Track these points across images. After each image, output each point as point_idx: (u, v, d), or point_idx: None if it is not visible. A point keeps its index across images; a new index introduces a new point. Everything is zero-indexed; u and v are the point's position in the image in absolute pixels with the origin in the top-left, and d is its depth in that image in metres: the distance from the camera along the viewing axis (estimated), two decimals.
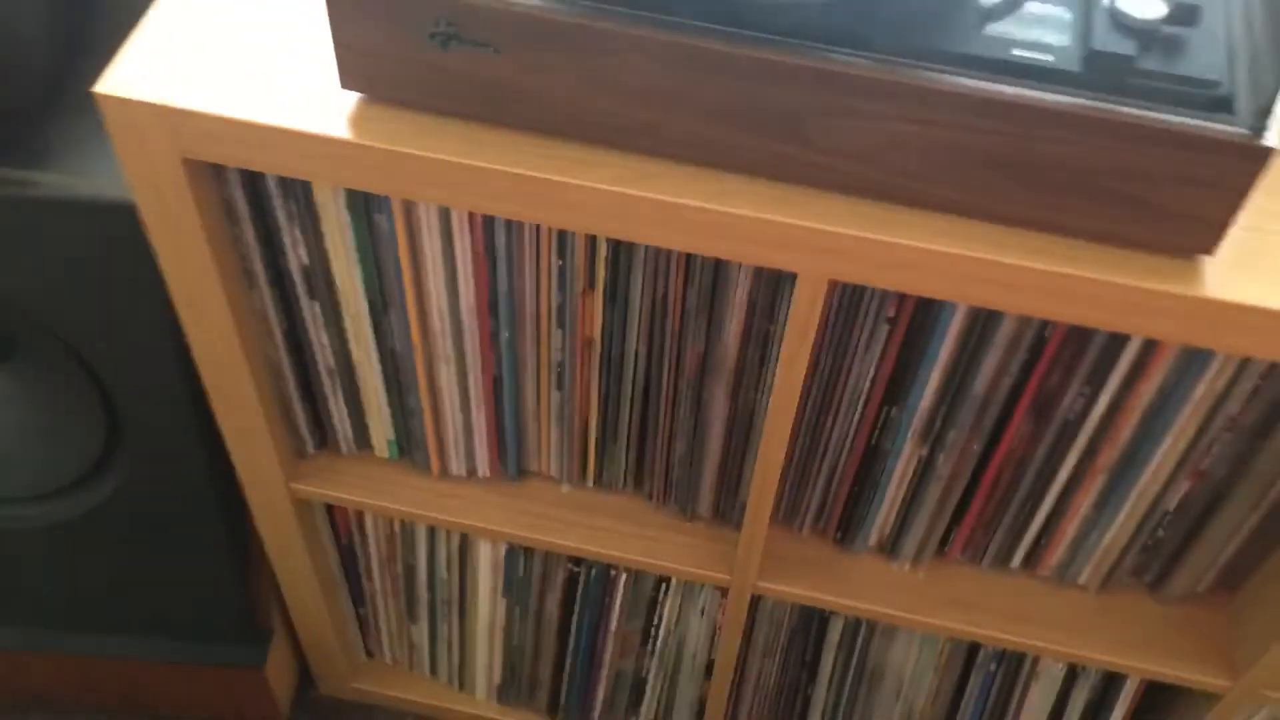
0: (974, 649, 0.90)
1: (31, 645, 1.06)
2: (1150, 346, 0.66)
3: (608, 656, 1.02)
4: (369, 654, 1.14)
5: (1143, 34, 0.53)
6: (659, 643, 0.98)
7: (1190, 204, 0.55)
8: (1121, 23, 0.54)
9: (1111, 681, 0.89)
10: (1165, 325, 0.58)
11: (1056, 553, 0.83)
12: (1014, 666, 0.90)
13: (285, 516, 0.91)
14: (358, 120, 0.60)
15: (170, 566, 0.98)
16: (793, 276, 0.63)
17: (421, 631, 1.07)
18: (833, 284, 0.64)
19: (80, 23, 0.77)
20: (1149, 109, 0.53)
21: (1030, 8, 0.55)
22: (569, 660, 1.04)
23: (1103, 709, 0.91)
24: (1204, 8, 0.54)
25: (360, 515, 0.95)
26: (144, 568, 0.99)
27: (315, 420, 0.87)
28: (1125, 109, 0.53)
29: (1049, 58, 0.54)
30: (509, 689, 1.10)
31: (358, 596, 1.06)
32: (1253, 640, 0.81)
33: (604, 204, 0.60)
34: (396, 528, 0.95)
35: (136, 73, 0.62)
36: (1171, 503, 0.77)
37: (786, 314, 0.66)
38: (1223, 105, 0.53)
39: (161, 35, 0.64)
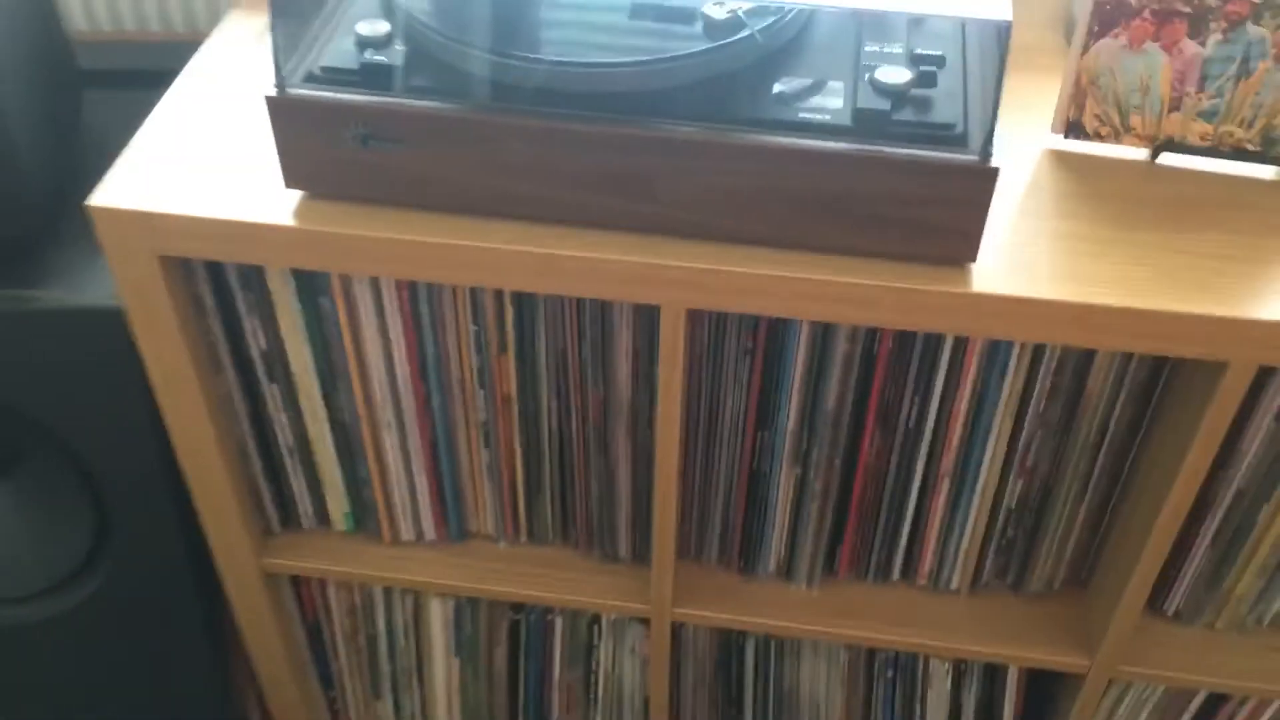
0: (870, 658, 1.02)
1: None
2: (959, 350, 0.81)
3: (555, 712, 1.12)
4: None
5: (895, 95, 0.70)
6: (599, 689, 1.09)
7: (949, 220, 0.71)
8: (880, 88, 0.71)
9: (995, 676, 1.01)
10: (945, 320, 0.73)
11: (928, 561, 0.96)
12: (909, 671, 1.01)
13: (256, 592, 1.03)
14: (300, 211, 0.76)
15: (152, 657, 1.09)
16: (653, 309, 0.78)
17: (387, 707, 1.17)
18: (691, 313, 0.79)
19: (70, 161, 0.93)
20: (903, 148, 0.69)
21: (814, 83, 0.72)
22: (525, 713, 1.14)
23: (994, 706, 1.03)
24: (940, 74, 0.71)
25: (324, 589, 1.06)
26: (127, 661, 1.09)
27: (279, 499, 1.00)
28: (885, 149, 0.69)
29: (827, 116, 0.70)
30: None
31: (325, 678, 1.16)
32: (1100, 623, 0.93)
33: (500, 261, 0.75)
34: (357, 599, 1.06)
35: (119, 188, 0.77)
36: (1012, 500, 0.91)
37: (643, 343, 0.81)
38: (959, 141, 0.69)
39: (140, 157, 0.79)
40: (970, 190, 0.69)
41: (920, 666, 1.01)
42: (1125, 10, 0.76)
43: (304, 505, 1.00)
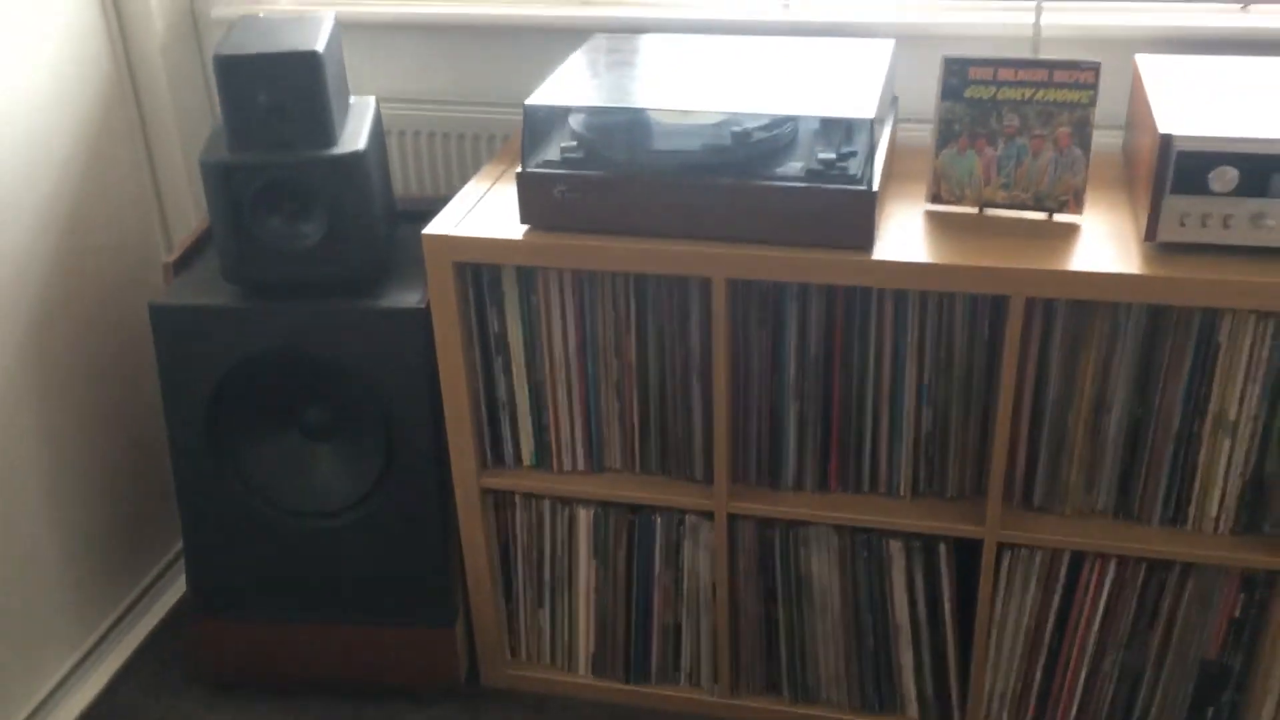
0: (851, 542, 1.60)
1: (304, 617, 1.77)
2: (881, 316, 1.46)
3: (656, 609, 1.72)
4: (513, 653, 1.83)
5: (828, 164, 1.41)
6: (684, 585, 1.69)
7: (856, 221, 1.39)
8: (821, 161, 1.41)
9: (931, 554, 1.57)
10: (864, 276, 1.40)
11: (882, 473, 1.57)
12: (876, 551, 1.59)
13: (474, 507, 1.68)
14: (525, 234, 1.48)
15: (406, 558, 1.73)
16: (708, 282, 1.46)
17: (545, 615, 1.77)
18: (729, 284, 1.46)
19: (391, 243, 1.68)
20: (833, 185, 1.39)
21: (794, 153, 1.43)
22: (634, 618, 1.73)
23: (934, 579, 1.59)
24: (852, 158, 1.42)
25: (513, 511, 1.70)
26: (389, 560, 1.73)
27: (494, 441, 1.67)
28: (824, 186, 1.39)
29: (799, 171, 1.41)
30: (600, 659, 1.78)
31: (508, 592, 1.78)
32: (990, 506, 1.52)
33: (639, 255, 1.45)
34: (533, 517, 1.70)
35: (434, 227, 1.51)
36: (926, 424, 1.53)
37: (705, 318, 1.49)
38: (861, 183, 1.38)
39: (443, 218, 1.53)
40: (865, 204, 1.38)
41: (883, 548, 1.59)
42: (953, 134, 1.46)
43: (508, 445, 1.67)
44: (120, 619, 1.94)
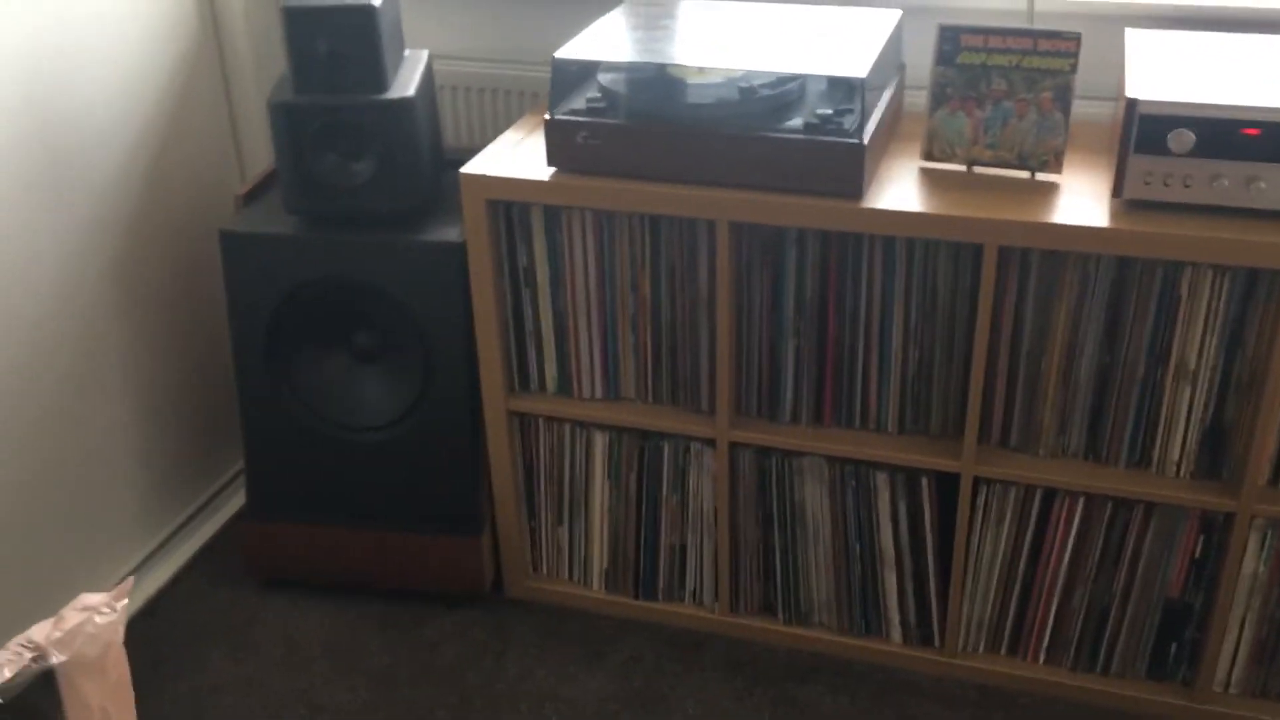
0: (840, 473, 1.73)
1: (348, 523, 1.95)
2: (872, 261, 1.60)
3: (663, 530, 1.87)
4: (534, 567, 2.00)
5: (824, 118, 1.54)
6: (689, 509, 1.84)
7: (847, 171, 1.52)
8: (819, 117, 1.55)
9: (914, 486, 1.70)
10: (857, 222, 1.53)
11: (872, 409, 1.70)
12: (864, 481, 1.72)
13: (502, 427, 1.85)
14: (552, 175, 1.64)
15: (440, 473, 1.90)
16: (712, 224, 1.61)
17: (564, 533, 1.94)
18: (731, 227, 1.60)
19: (438, 181, 1.85)
20: (828, 137, 1.52)
21: (798, 110, 1.57)
22: (643, 538, 1.88)
23: (917, 510, 1.72)
24: (848, 115, 1.55)
25: (537, 433, 1.87)
26: (425, 474, 1.90)
27: (521, 367, 1.83)
28: (820, 138, 1.52)
29: (799, 124, 1.54)
30: (612, 575, 1.94)
31: (530, 510, 1.94)
32: (966, 443, 1.64)
33: (653, 197, 1.60)
34: (555, 439, 1.86)
35: (470, 168, 1.67)
36: (911, 364, 1.66)
37: (712, 258, 1.63)
38: (854, 136, 1.52)
39: (479, 160, 1.70)
40: (855, 156, 1.51)
41: (871, 478, 1.72)
42: (945, 97, 1.59)
43: (533, 372, 1.83)
44: (187, 522, 2.15)
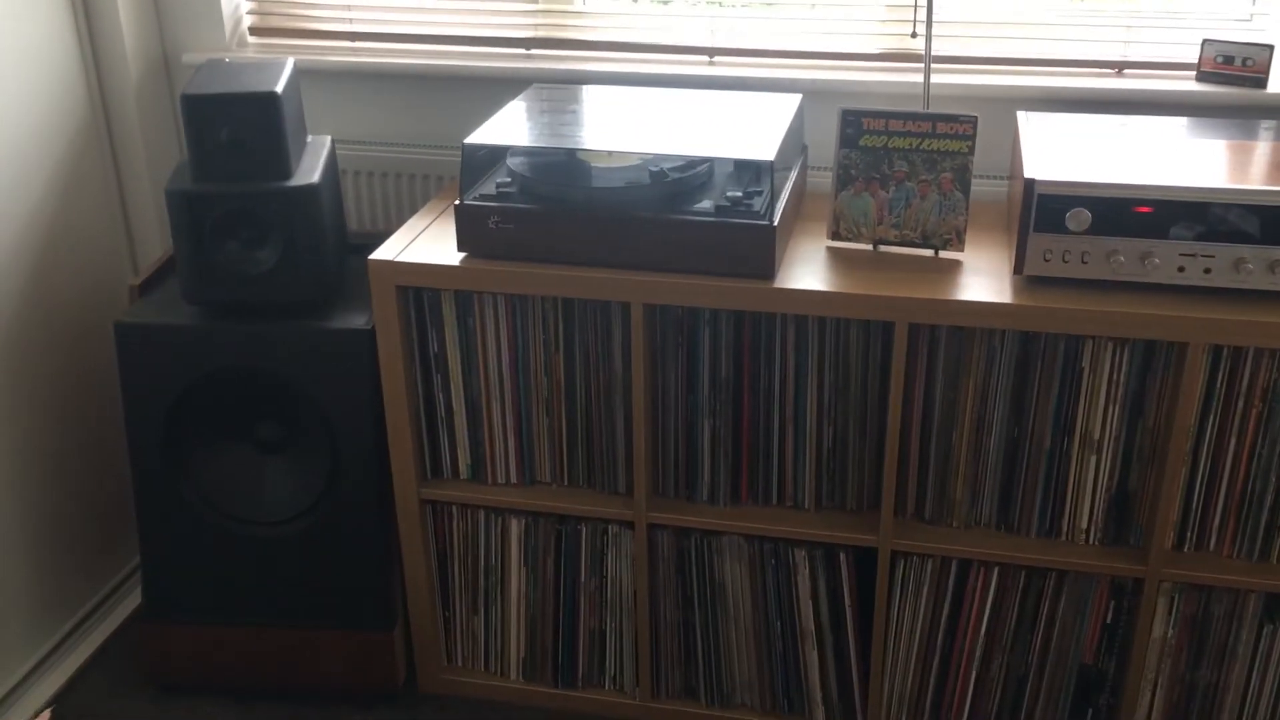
0: (760, 552, 1.73)
1: (252, 622, 1.88)
2: (784, 339, 1.61)
3: (582, 615, 1.84)
4: (449, 659, 1.94)
5: (734, 201, 1.56)
6: (608, 592, 1.81)
7: (758, 253, 1.54)
8: (729, 199, 1.57)
9: (833, 562, 1.71)
10: (767, 303, 1.55)
11: (789, 487, 1.71)
12: (784, 559, 1.72)
13: (414, 516, 1.81)
14: (462, 260, 1.63)
15: (347, 562, 1.84)
16: (626, 306, 1.61)
17: (480, 623, 1.89)
18: (646, 309, 1.60)
19: (340, 272, 1.82)
20: (739, 220, 1.54)
21: (708, 192, 1.59)
22: (561, 624, 1.85)
23: (837, 586, 1.72)
24: (757, 196, 1.57)
25: (450, 520, 1.83)
26: (332, 568, 1.85)
27: (433, 454, 1.80)
28: (732, 220, 1.54)
29: (709, 207, 1.56)
30: (530, 664, 1.90)
31: (445, 599, 1.90)
32: (883, 517, 1.66)
33: (561, 281, 1.59)
34: (469, 527, 1.83)
35: (380, 254, 1.65)
36: (827, 441, 1.67)
37: (627, 340, 1.63)
38: (763, 217, 1.54)
39: (387, 247, 1.68)
40: (766, 237, 1.53)
41: (790, 556, 1.72)
42: (850, 178, 1.63)
43: (446, 459, 1.80)
44: (79, 625, 2.04)
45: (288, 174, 1.68)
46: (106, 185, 2.04)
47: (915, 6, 1.72)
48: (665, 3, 2.01)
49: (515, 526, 1.81)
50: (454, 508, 1.83)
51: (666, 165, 1.61)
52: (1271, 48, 1.74)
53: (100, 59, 1.98)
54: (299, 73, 1.76)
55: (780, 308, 1.56)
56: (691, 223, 1.55)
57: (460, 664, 1.95)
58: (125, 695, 1.94)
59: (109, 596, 2.12)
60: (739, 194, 1.57)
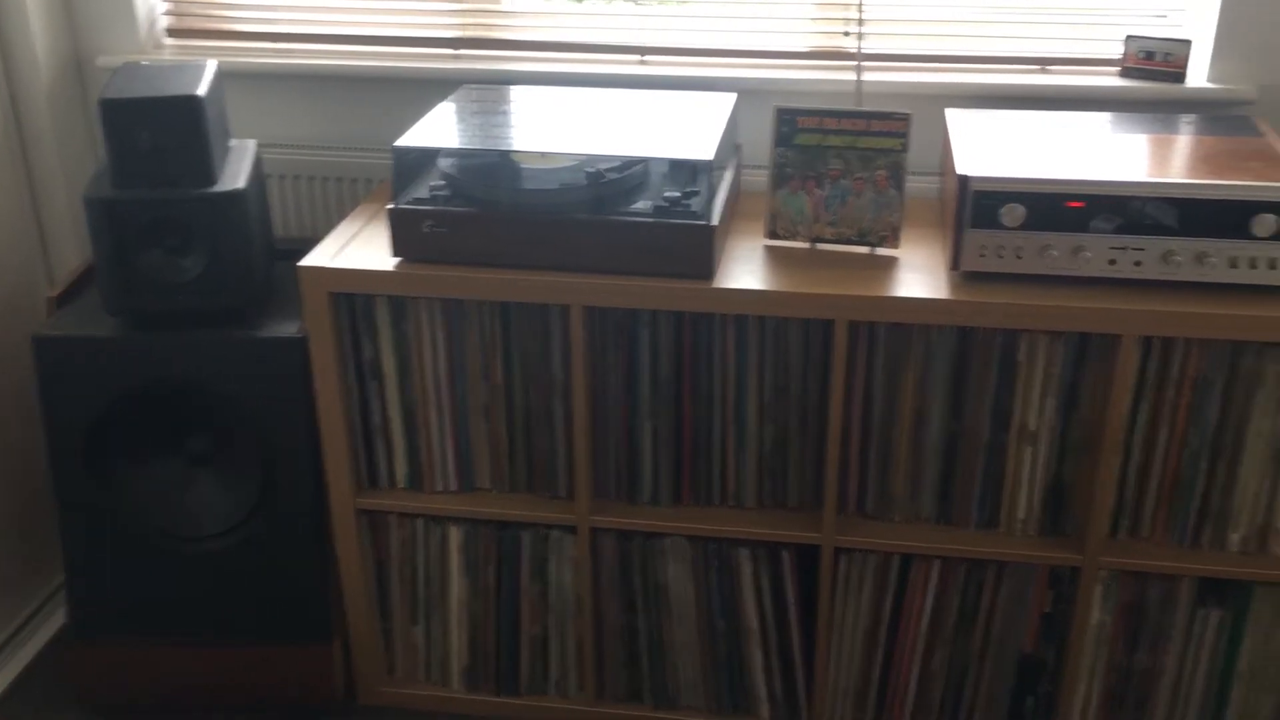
0: (704, 554, 1.73)
1: (184, 639, 1.83)
2: (723, 338, 1.61)
3: (524, 621, 1.82)
4: (389, 670, 1.91)
5: (672, 201, 1.55)
6: (551, 598, 1.80)
7: (697, 253, 1.54)
8: (667, 200, 1.56)
9: (776, 560, 1.71)
10: (707, 303, 1.54)
11: (730, 485, 1.70)
12: (726, 561, 1.72)
13: (351, 527, 1.77)
14: (397, 265, 1.59)
15: (282, 575, 1.80)
16: (564, 309, 1.59)
17: (420, 633, 1.87)
18: (585, 311, 1.59)
19: (269, 279, 1.77)
20: (677, 220, 1.53)
21: (645, 192, 1.58)
22: (503, 631, 1.83)
23: (780, 584, 1.72)
24: (695, 197, 1.57)
25: (388, 530, 1.80)
26: (265, 577, 1.80)
27: (369, 464, 1.77)
28: (669, 221, 1.53)
29: (648, 204, 1.55)
30: (472, 673, 1.87)
31: (384, 611, 1.86)
32: (826, 514, 1.66)
33: (497, 285, 1.57)
34: (407, 536, 1.80)
35: (310, 260, 1.61)
36: (767, 441, 1.67)
37: (566, 343, 1.61)
38: (700, 218, 1.53)
39: (318, 252, 1.64)
40: (704, 237, 1.53)
41: (732, 556, 1.72)
42: (786, 177, 1.63)
43: (383, 467, 1.77)
44: (2, 647, 1.97)
45: (212, 179, 1.64)
46: (19, 193, 1.97)
47: (847, 5, 1.73)
48: (609, 0, 2.00)
49: (455, 534, 1.79)
50: (392, 517, 1.80)
51: (603, 166, 1.59)
52: (1189, 43, 1.78)
53: (9, 62, 1.91)
54: (221, 75, 1.71)
55: (720, 308, 1.55)
56: (629, 224, 1.54)
57: (401, 675, 1.92)
58: (53, 715, 1.87)
59: (33, 616, 2.05)
60: (677, 194, 1.56)
